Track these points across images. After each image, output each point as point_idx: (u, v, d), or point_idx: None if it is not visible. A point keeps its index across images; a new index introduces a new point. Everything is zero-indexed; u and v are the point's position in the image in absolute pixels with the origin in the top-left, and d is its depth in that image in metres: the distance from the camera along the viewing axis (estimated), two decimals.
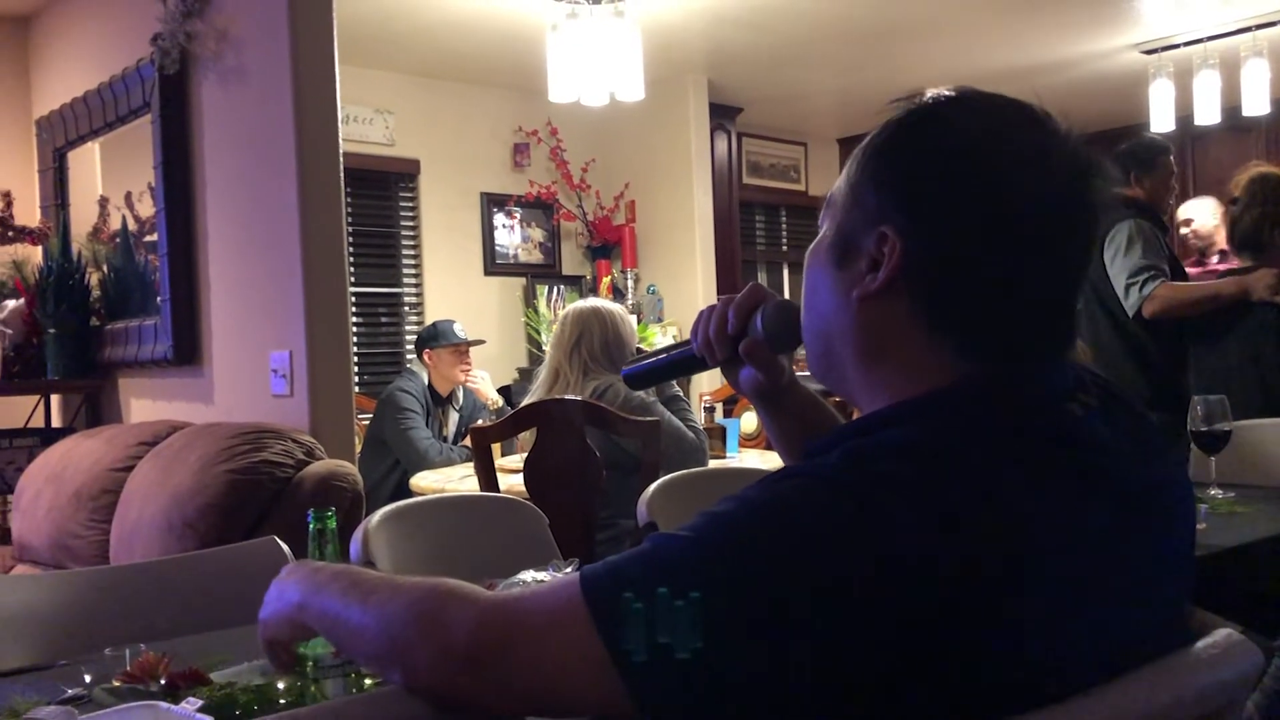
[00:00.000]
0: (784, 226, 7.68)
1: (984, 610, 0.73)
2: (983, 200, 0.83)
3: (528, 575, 1.63)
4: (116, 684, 1.19)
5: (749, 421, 4.14)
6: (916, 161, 0.86)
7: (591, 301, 3.19)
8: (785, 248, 7.68)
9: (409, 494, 3.59)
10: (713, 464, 3.20)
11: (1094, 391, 0.88)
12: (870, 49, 5.60)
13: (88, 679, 1.21)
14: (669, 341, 5.91)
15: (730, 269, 6.40)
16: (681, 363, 1.22)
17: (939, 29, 5.36)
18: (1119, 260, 3.41)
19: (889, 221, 0.85)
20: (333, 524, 1.21)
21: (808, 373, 1.02)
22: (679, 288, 6.16)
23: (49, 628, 1.59)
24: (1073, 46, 5.78)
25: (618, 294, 5.94)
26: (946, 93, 0.89)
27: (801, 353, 1.03)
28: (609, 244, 6.28)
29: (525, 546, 1.99)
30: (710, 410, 3.81)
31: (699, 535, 0.76)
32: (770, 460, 3.66)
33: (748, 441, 4.06)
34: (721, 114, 6.38)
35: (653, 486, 2.10)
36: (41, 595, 1.64)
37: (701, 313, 1.17)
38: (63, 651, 1.49)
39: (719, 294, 6.15)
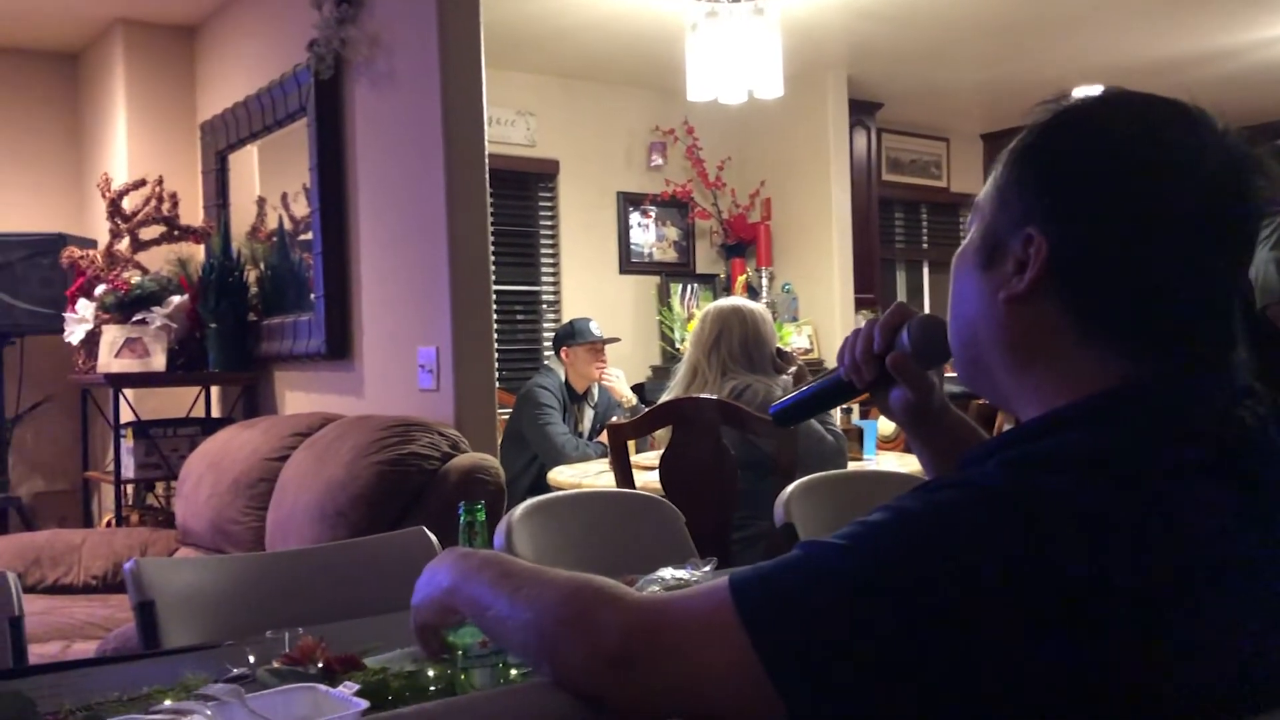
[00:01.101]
0: (924, 224, 7.52)
1: (1148, 627, 0.71)
2: (1130, 200, 0.82)
3: (666, 573, 1.64)
4: (277, 665, 1.24)
5: (887, 424, 4.07)
6: (1062, 162, 0.85)
7: (732, 300, 3.19)
8: (926, 246, 7.53)
9: (546, 488, 3.65)
10: (850, 466, 3.16)
11: (1265, 399, 0.84)
12: (1015, 41, 5.44)
13: (252, 659, 1.27)
14: (804, 341, 5.86)
15: (868, 267, 6.30)
16: (829, 390, 1.22)
17: (1088, 19, 5.17)
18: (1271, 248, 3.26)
19: (1034, 222, 0.84)
20: (482, 517, 1.25)
21: (954, 374, 1.01)
22: (815, 286, 6.10)
23: (213, 609, 1.67)
24: (1235, 35, 5.50)
25: (752, 292, 5.92)
26: (1094, 93, 0.88)
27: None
28: (744, 242, 6.26)
29: (662, 544, 2.01)
30: (848, 412, 3.76)
31: (853, 544, 0.76)
32: (908, 463, 3.60)
33: (885, 444, 4.00)
34: (861, 110, 6.29)
35: (790, 488, 2.09)
36: (206, 577, 1.73)
37: (847, 337, 1.17)
38: (226, 632, 1.56)
39: (856, 293, 6.08)
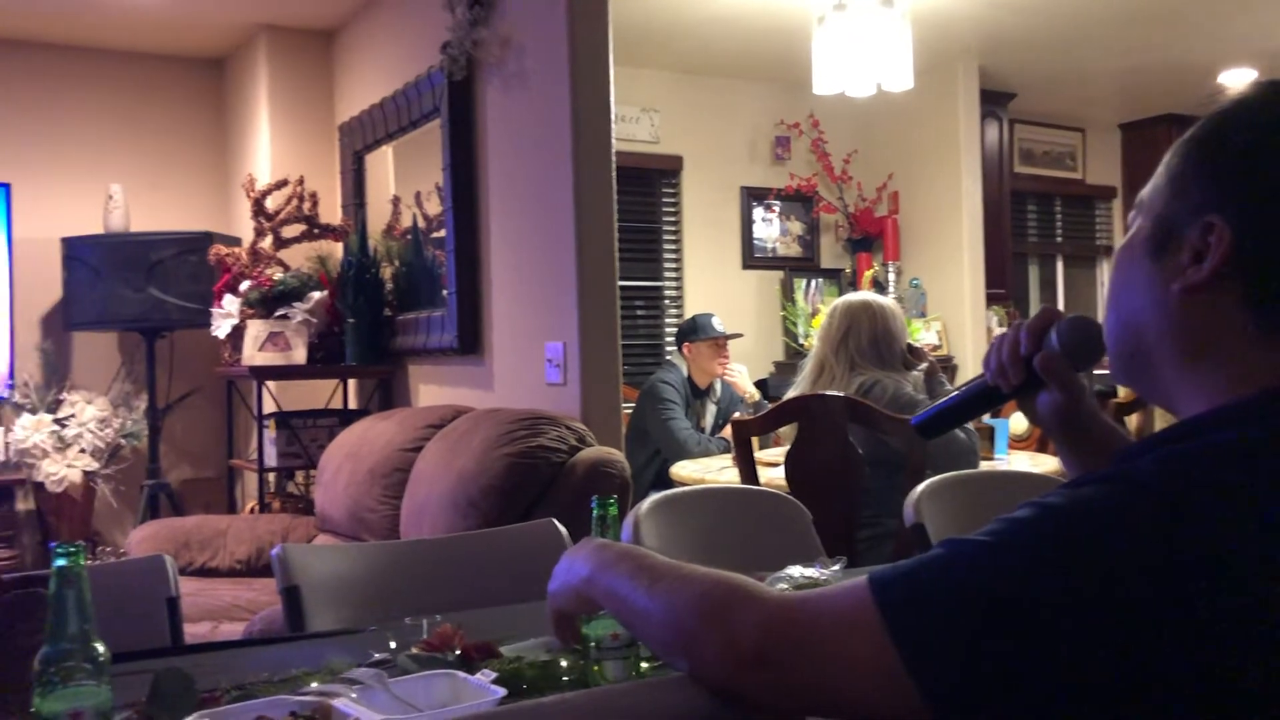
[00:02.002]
0: (1058, 217, 7.29)
1: None
2: None
3: (795, 570, 1.64)
4: (416, 651, 1.28)
5: (1019, 423, 3.97)
6: (1247, 150, 0.83)
7: (862, 295, 3.15)
8: (1060, 239, 7.30)
9: (668, 482, 3.67)
10: (982, 466, 3.10)
11: None
12: (1156, 26, 5.23)
13: (393, 645, 1.31)
14: (933, 337, 5.74)
15: (999, 262, 6.15)
16: (975, 398, 1.19)
17: (1235, 1, 4.93)
18: None
19: (1216, 211, 0.82)
20: (614, 510, 1.27)
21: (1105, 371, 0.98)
22: (944, 281, 5.98)
23: (352, 594, 1.73)
24: None
25: (879, 287, 5.84)
26: (1273, 80, 0.86)
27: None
28: (870, 236, 6.18)
29: (789, 541, 2.00)
30: None
31: (998, 540, 0.75)
32: (1041, 463, 3.51)
33: (1017, 443, 3.90)
34: (993, 100, 6.14)
35: (920, 487, 2.06)
36: (346, 563, 1.80)
37: (993, 342, 1.14)
38: (365, 616, 1.62)
39: (987, 288, 5.93)
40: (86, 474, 4.54)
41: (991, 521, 0.77)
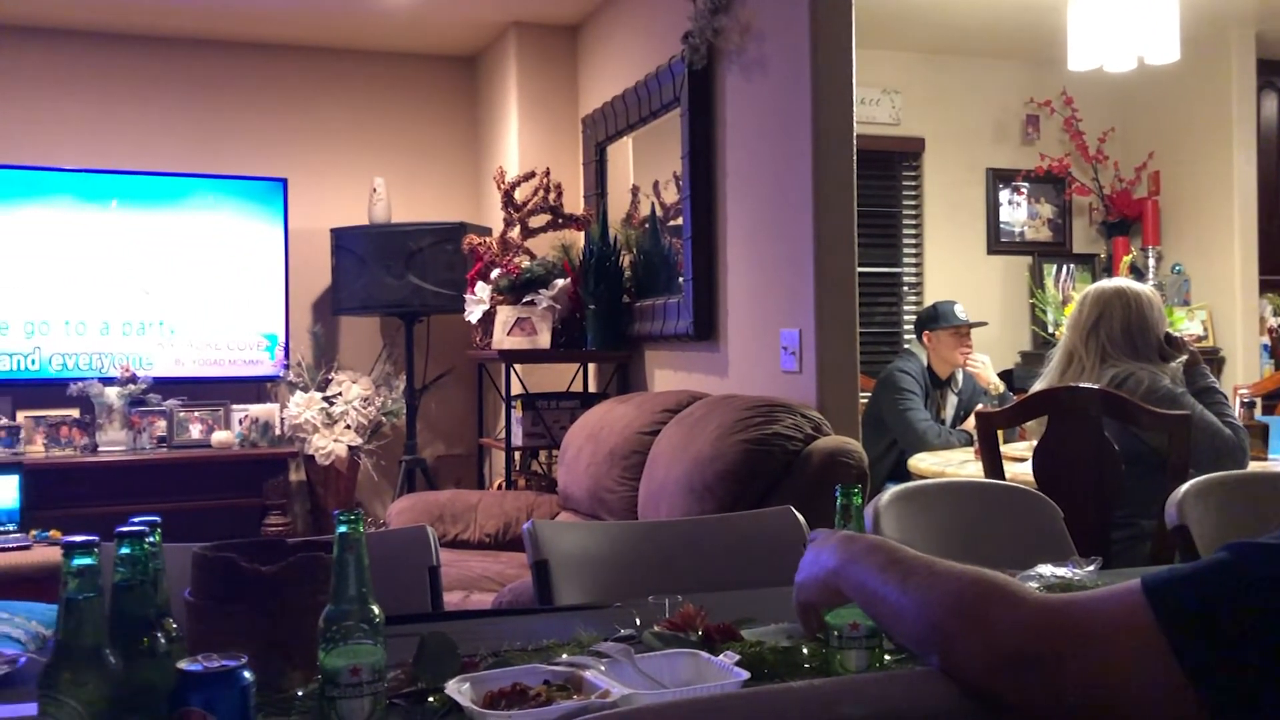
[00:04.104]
0: None
1: None
2: None
3: (1045, 569, 1.58)
4: (659, 629, 1.32)
5: None
6: None
7: (1115, 281, 2.97)
8: None
9: (905, 474, 3.59)
10: (1252, 466, 2.87)
11: None
12: None
13: (637, 622, 1.35)
14: (1196, 327, 5.35)
15: (1276, 246, 5.64)
16: None
17: None
18: None
19: None
20: (858, 500, 1.26)
21: None
22: (1211, 267, 5.55)
23: (598, 570, 1.79)
24: None
25: (1136, 273, 5.48)
26: None
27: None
28: (1127, 219, 5.81)
29: (1039, 539, 1.93)
30: (1249, 406, 3.40)
31: None
32: None
33: None
34: (1271, 70, 5.64)
35: (1184, 487, 1.93)
36: (591, 540, 1.86)
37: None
38: (607, 592, 1.68)
39: (1261, 274, 5.47)
40: (351, 448, 4.88)
41: None
